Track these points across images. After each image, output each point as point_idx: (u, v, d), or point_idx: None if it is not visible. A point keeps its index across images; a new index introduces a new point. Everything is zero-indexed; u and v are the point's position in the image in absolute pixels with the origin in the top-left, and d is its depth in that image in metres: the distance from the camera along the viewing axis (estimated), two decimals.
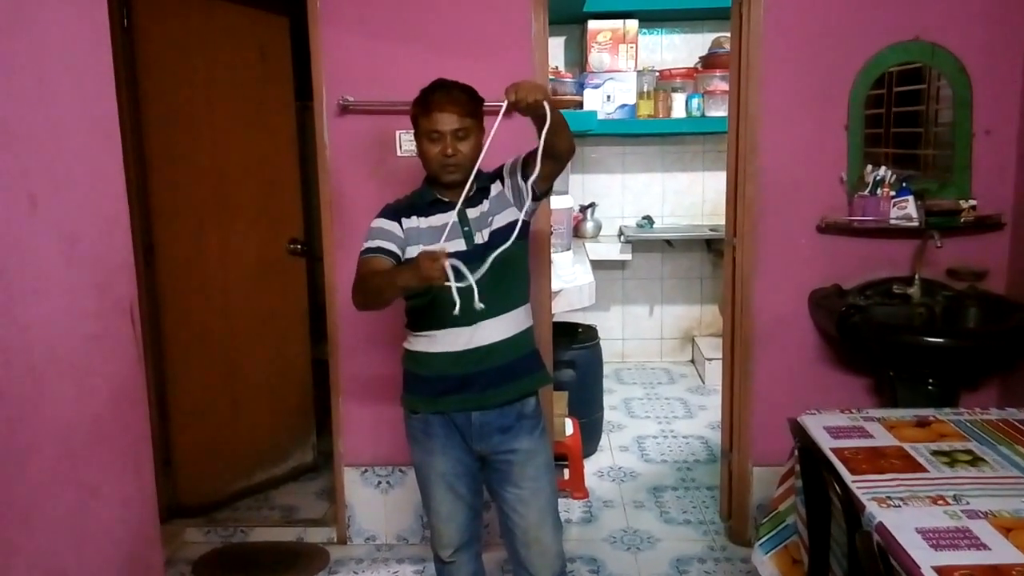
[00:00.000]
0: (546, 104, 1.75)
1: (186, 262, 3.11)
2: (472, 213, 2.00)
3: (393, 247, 1.97)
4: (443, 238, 1.81)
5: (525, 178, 1.94)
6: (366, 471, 2.97)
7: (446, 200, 2.00)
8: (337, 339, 2.88)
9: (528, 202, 1.99)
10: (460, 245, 1.96)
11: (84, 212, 1.29)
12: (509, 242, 1.80)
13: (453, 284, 1.70)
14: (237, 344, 3.26)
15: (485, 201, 2.01)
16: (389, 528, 3.01)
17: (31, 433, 1.15)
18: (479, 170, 2.01)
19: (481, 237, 1.97)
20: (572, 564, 2.82)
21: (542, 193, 2.01)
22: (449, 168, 1.94)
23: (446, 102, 1.92)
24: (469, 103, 1.95)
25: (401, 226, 2.00)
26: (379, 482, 2.98)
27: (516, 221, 1.97)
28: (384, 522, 3.01)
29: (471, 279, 1.71)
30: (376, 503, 2.99)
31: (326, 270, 2.86)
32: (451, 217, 1.95)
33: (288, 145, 3.40)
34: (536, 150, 1.82)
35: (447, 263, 1.68)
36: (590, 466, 3.63)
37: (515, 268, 2.01)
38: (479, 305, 1.76)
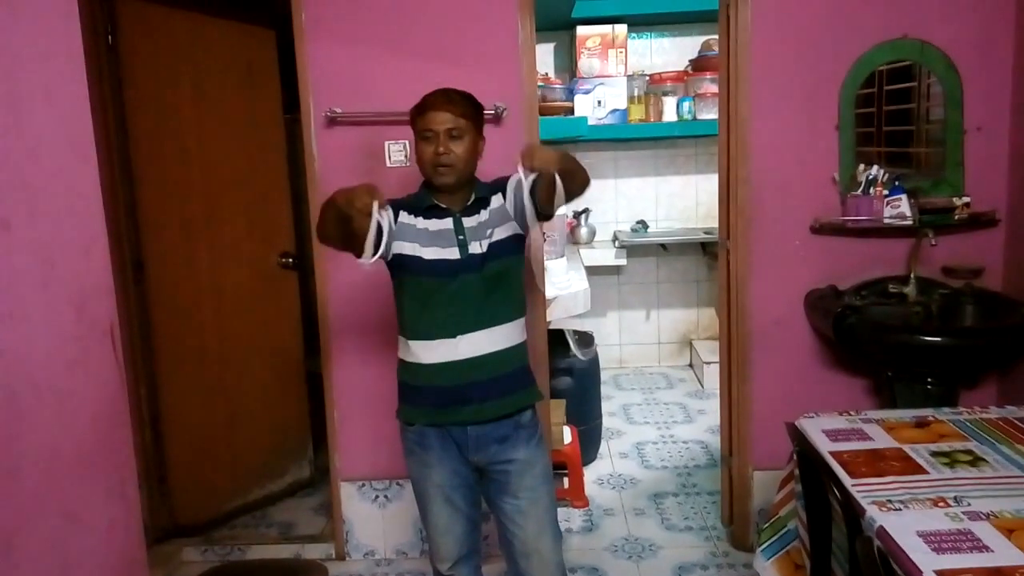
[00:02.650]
0: (557, 174, 1.81)
1: (177, 278, 3.09)
2: (468, 222, 1.98)
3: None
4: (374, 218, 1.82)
5: (534, 203, 1.95)
6: (363, 485, 2.95)
7: (443, 207, 1.99)
8: (330, 352, 2.86)
9: (532, 221, 1.98)
10: (454, 253, 1.95)
11: (60, 234, 1.27)
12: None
13: (373, 221, 1.80)
14: (230, 360, 3.24)
15: (483, 211, 1.99)
16: (388, 542, 2.99)
17: (11, 460, 1.13)
18: (477, 180, 2.02)
19: (479, 247, 1.95)
20: (573, 574, 2.80)
21: (547, 216, 2.00)
22: (441, 169, 1.93)
23: (442, 101, 1.93)
24: (465, 104, 1.96)
25: (396, 217, 1.98)
26: (376, 496, 2.95)
27: (516, 235, 1.99)
28: (383, 536, 2.98)
29: (384, 238, 1.87)
30: (374, 517, 2.96)
31: (318, 283, 2.84)
32: (446, 224, 1.95)
33: (277, 158, 3.39)
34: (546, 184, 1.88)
35: (376, 205, 1.78)
36: (590, 474, 3.61)
37: (508, 282, 2.00)
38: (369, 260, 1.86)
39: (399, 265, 1.99)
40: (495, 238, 1.96)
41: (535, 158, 1.77)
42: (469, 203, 2.00)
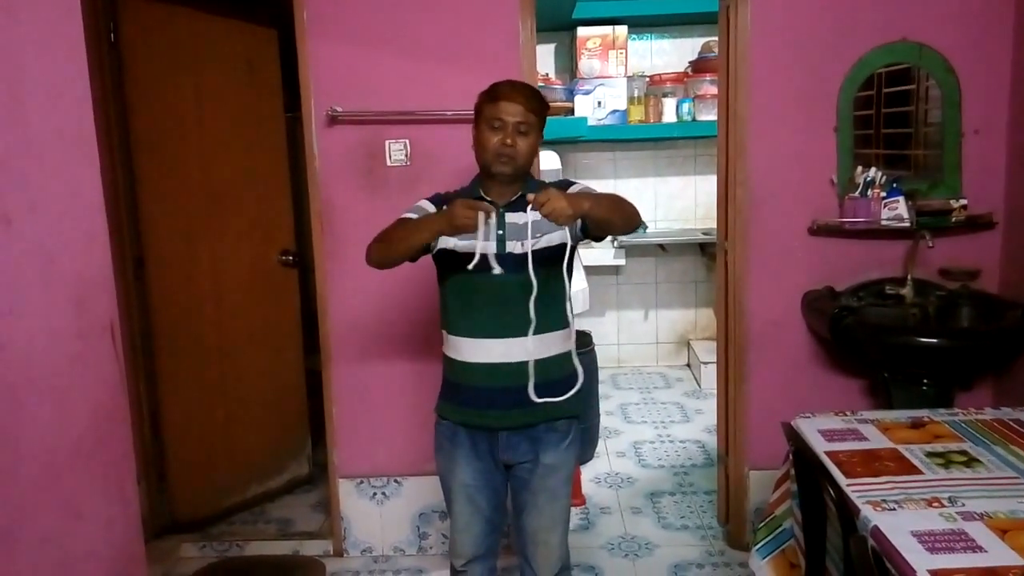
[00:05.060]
0: (584, 208, 1.77)
1: (177, 275, 3.10)
2: (512, 218, 1.93)
3: None
4: (481, 228, 1.78)
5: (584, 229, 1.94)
6: (361, 482, 2.96)
7: (489, 199, 1.96)
8: (330, 350, 2.87)
9: (579, 235, 1.97)
10: (491, 248, 1.92)
11: (61, 230, 1.28)
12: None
13: (480, 232, 1.76)
14: (230, 357, 3.25)
15: (535, 212, 1.90)
16: (385, 539, 2.99)
17: (10, 455, 1.14)
18: (531, 177, 2.01)
19: (520, 247, 1.90)
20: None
21: (595, 238, 2.00)
22: (503, 159, 1.91)
23: (515, 93, 1.91)
24: (537, 100, 1.95)
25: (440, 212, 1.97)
26: (374, 493, 2.96)
27: (564, 245, 1.94)
28: (380, 533, 2.99)
29: (492, 244, 1.84)
30: (372, 514, 2.97)
31: (318, 280, 2.85)
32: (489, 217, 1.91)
33: (278, 156, 3.39)
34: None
35: (481, 216, 1.74)
36: (587, 472, 3.62)
37: (554, 290, 1.94)
38: (496, 269, 1.85)
39: (442, 259, 1.98)
40: (542, 244, 1.91)
41: (544, 206, 1.73)
42: (514, 199, 1.96)
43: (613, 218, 1.86)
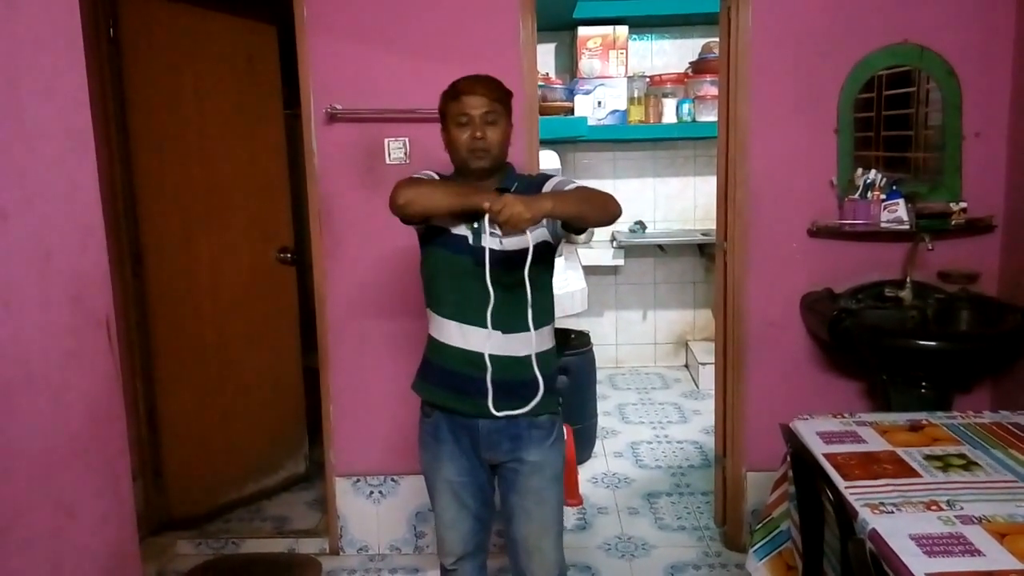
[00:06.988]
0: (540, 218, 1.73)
1: (175, 271, 3.09)
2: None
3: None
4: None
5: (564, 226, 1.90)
6: (358, 481, 2.95)
7: None
8: (327, 348, 2.87)
9: (560, 232, 1.93)
10: (470, 236, 1.90)
11: (57, 225, 1.27)
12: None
13: (486, 226, 1.75)
14: (227, 354, 3.24)
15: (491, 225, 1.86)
16: (381, 538, 2.99)
17: (4, 451, 1.13)
18: (511, 167, 2.00)
19: (497, 243, 1.84)
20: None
21: (576, 231, 1.95)
22: (478, 153, 1.89)
23: (476, 85, 1.90)
24: (498, 89, 1.94)
25: None
26: (371, 492, 2.96)
27: (544, 242, 1.90)
28: (376, 532, 2.98)
29: (486, 240, 1.79)
30: (368, 513, 2.97)
31: (316, 278, 2.84)
32: None
33: (277, 154, 3.38)
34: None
35: (488, 204, 1.71)
36: (584, 472, 3.61)
37: (530, 287, 1.85)
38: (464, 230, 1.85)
39: (428, 234, 1.95)
40: (512, 245, 1.85)
41: (500, 214, 1.67)
42: (494, 188, 1.92)
43: (583, 212, 1.81)
